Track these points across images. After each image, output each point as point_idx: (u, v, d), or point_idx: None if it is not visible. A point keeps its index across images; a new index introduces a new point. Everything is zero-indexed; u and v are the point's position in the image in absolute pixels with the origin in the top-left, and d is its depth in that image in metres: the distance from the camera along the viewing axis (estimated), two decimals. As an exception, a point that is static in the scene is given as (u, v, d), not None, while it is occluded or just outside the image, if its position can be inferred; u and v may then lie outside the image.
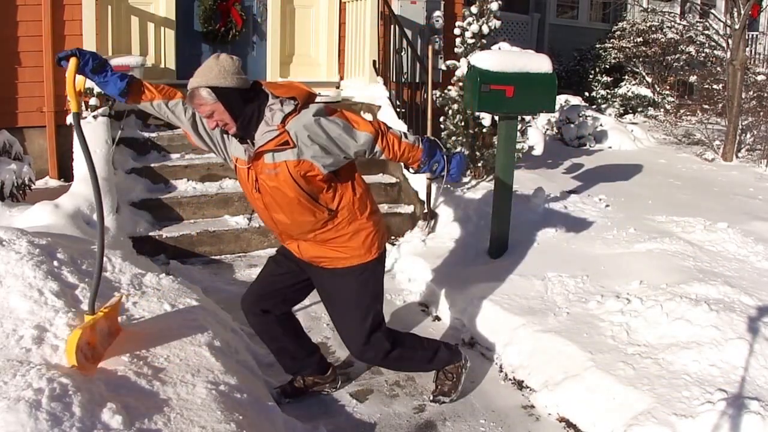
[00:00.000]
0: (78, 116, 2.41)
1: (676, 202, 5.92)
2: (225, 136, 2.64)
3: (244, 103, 2.45)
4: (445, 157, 2.69)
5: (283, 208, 2.59)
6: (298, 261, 2.83)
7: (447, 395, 3.08)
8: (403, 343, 2.92)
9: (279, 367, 3.18)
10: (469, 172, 6.43)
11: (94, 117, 5.03)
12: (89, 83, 5.00)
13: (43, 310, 2.48)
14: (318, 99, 2.73)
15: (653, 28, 12.02)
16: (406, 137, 2.65)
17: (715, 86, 10.27)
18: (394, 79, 6.54)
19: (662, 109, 11.24)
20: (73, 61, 2.40)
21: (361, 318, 2.76)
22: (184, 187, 5.23)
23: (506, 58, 4.31)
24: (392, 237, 5.35)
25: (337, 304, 2.81)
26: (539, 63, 4.30)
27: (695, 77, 11.58)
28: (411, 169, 2.75)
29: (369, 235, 2.73)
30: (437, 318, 4.05)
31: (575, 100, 10.14)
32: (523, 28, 14.11)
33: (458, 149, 2.53)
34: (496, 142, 4.77)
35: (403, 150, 2.63)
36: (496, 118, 5.32)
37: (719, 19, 10.48)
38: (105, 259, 3.12)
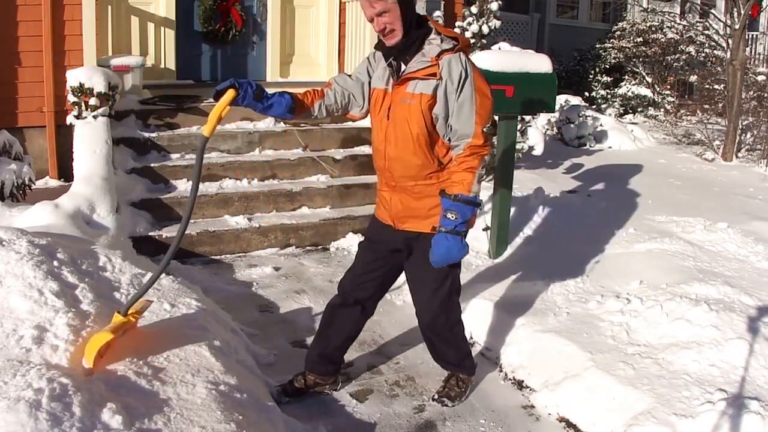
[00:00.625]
0: (206, 140, 2.40)
1: (676, 202, 5.92)
2: (370, 71, 2.75)
3: (417, 23, 2.56)
4: (466, 223, 2.62)
5: (399, 142, 2.63)
6: (383, 234, 2.84)
7: (452, 400, 3.08)
8: (463, 325, 3.03)
9: (279, 367, 3.19)
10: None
11: (94, 117, 5.02)
12: (90, 83, 5.03)
13: (43, 310, 2.48)
14: None
15: (653, 28, 12.02)
16: (479, 180, 2.63)
17: (715, 86, 10.27)
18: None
19: (662, 109, 11.24)
20: (230, 93, 2.41)
21: (442, 280, 2.80)
22: (184, 187, 5.23)
23: (506, 58, 4.31)
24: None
25: (419, 266, 2.80)
26: (539, 63, 4.30)
27: (695, 77, 11.59)
28: (441, 194, 2.63)
29: None
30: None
31: (575, 100, 10.14)
32: (523, 28, 14.11)
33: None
34: (496, 142, 4.77)
35: (467, 167, 2.58)
36: (496, 118, 5.32)
37: (719, 19, 10.49)
38: (105, 259, 3.12)
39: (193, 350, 2.58)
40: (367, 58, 2.85)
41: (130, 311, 2.44)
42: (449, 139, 2.64)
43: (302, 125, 5.85)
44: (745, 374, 2.90)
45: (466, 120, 2.58)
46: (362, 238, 3.09)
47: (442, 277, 2.81)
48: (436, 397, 3.10)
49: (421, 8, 7.10)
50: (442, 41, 2.57)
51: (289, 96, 2.64)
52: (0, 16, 5.48)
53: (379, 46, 2.70)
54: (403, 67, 2.62)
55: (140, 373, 2.31)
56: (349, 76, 2.85)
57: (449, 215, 2.57)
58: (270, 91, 2.65)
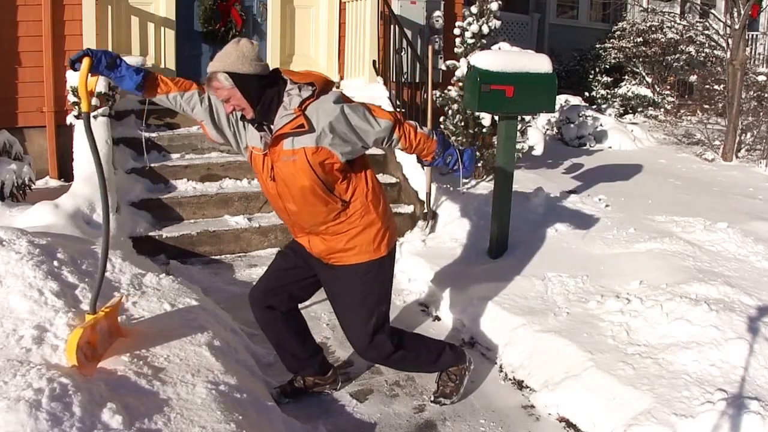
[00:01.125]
0: (88, 116, 2.42)
1: (676, 202, 5.92)
2: (242, 124, 2.63)
3: (262, 89, 2.47)
4: (457, 150, 2.77)
5: (297, 198, 2.58)
6: (307, 257, 2.82)
7: (448, 397, 3.07)
8: (407, 345, 2.91)
9: (279, 367, 3.18)
10: (469, 171, 6.41)
11: (94, 117, 5.02)
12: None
13: (43, 310, 2.48)
14: None
15: (653, 28, 12.01)
16: (421, 128, 2.70)
17: (715, 86, 10.26)
18: (394, 79, 6.54)
19: (662, 109, 11.24)
20: (86, 61, 2.38)
21: (366, 318, 2.75)
22: (184, 187, 5.23)
23: (506, 58, 4.30)
24: (392, 237, 5.35)
25: (342, 303, 2.81)
26: (539, 63, 4.30)
27: (695, 77, 11.58)
28: (425, 162, 2.80)
29: (380, 230, 2.72)
30: (437, 318, 4.05)
31: (575, 100, 10.14)
32: (523, 28, 14.10)
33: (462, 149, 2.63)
34: (496, 142, 4.77)
35: (419, 140, 2.67)
36: (496, 118, 5.32)
37: (719, 19, 10.49)
38: (105, 259, 3.11)
39: (193, 350, 2.58)
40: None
41: (101, 308, 2.45)
42: (387, 146, 2.69)
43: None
44: (745, 374, 2.90)
45: (373, 126, 2.55)
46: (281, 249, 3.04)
47: (368, 314, 2.75)
48: (432, 398, 3.10)
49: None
50: (300, 89, 2.49)
51: (143, 74, 2.51)
52: (0, 16, 5.48)
53: (244, 117, 2.58)
54: (271, 127, 2.52)
55: (140, 373, 2.31)
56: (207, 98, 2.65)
57: (447, 159, 2.75)
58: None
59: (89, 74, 2.39)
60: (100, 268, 2.42)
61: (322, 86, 2.53)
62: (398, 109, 6.18)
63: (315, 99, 2.49)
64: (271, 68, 2.53)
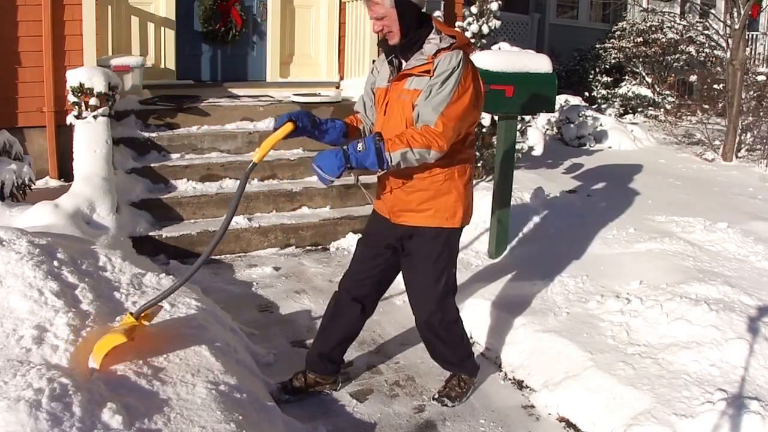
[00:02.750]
0: (254, 165, 2.53)
1: (676, 202, 5.91)
2: (373, 79, 2.83)
3: (416, 22, 2.58)
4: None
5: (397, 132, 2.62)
6: (384, 230, 2.86)
7: (452, 400, 3.08)
8: (462, 325, 3.03)
9: (279, 366, 3.19)
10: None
11: (94, 117, 5.02)
12: (90, 83, 5.03)
13: (43, 310, 2.48)
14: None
15: (653, 28, 12.01)
16: (404, 157, 2.56)
17: (715, 86, 10.26)
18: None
19: (662, 109, 11.23)
20: (288, 127, 2.53)
21: (437, 278, 2.81)
22: (184, 187, 5.23)
23: (506, 58, 4.31)
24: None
25: (413, 264, 2.84)
26: (539, 63, 4.30)
27: (695, 77, 11.58)
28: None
29: (458, 199, 2.75)
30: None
31: (575, 100, 10.13)
32: (523, 28, 14.10)
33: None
34: (496, 142, 4.77)
35: (403, 143, 2.53)
36: (496, 118, 5.32)
37: (719, 19, 10.48)
38: (105, 259, 3.11)
39: (193, 350, 2.58)
40: (371, 70, 2.91)
41: (141, 315, 2.45)
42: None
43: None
44: (745, 374, 2.90)
45: (434, 108, 2.53)
46: (361, 235, 3.10)
47: (437, 275, 2.82)
48: (436, 396, 3.10)
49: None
50: (441, 40, 2.59)
51: (341, 122, 2.74)
52: (0, 16, 5.48)
53: (383, 43, 2.72)
54: (403, 64, 2.65)
55: (140, 373, 2.31)
56: (362, 98, 2.94)
57: (359, 145, 2.51)
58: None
59: (285, 137, 2.53)
60: (192, 269, 2.60)
61: (461, 42, 2.62)
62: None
63: (449, 50, 2.56)
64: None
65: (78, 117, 5.05)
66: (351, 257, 3.06)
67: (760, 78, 9.80)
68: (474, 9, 6.22)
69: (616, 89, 11.69)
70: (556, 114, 9.07)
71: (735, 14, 8.72)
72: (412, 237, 2.80)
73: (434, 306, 2.86)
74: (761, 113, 8.98)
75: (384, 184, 2.82)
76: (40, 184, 5.32)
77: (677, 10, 13.46)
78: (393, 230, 2.84)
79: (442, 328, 2.95)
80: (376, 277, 2.96)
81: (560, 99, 9.76)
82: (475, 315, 3.78)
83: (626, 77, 12.01)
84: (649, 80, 11.85)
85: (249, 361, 3.08)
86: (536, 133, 6.63)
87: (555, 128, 9.11)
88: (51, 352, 2.29)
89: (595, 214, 5.16)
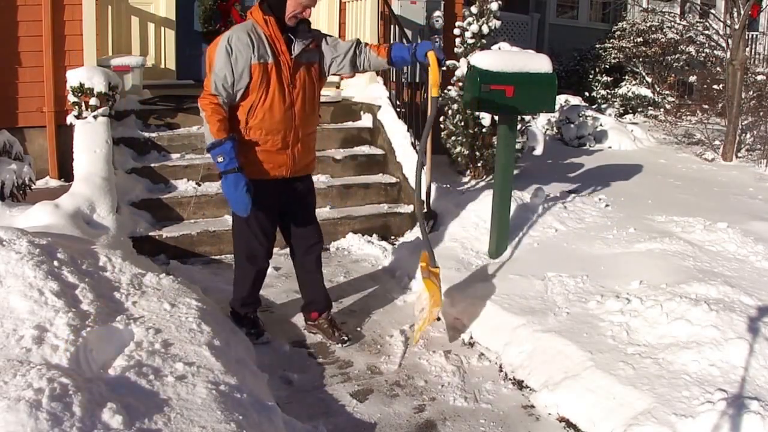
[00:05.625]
0: (437, 99, 3.57)
1: (676, 202, 5.91)
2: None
3: None
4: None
5: (307, 102, 3.33)
6: (272, 190, 3.38)
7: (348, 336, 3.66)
8: None
9: (279, 366, 3.17)
10: (468, 171, 6.42)
11: (94, 117, 5.02)
12: (90, 83, 5.03)
13: (43, 310, 2.49)
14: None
15: (653, 28, 12.02)
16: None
17: (715, 86, 10.26)
18: (394, 79, 6.54)
19: (662, 109, 11.24)
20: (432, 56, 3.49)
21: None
22: (184, 187, 5.22)
23: (506, 58, 4.30)
24: (392, 236, 5.36)
25: (310, 203, 3.61)
26: (539, 63, 4.30)
27: (695, 77, 11.58)
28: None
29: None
30: (437, 318, 4.04)
31: (575, 100, 10.14)
32: (523, 28, 14.11)
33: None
34: (496, 142, 4.77)
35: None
36: (496, 118, 5.32)
37: (719, 19, 10.48)
38: (105, 259, 3.12)
39: (193, 350, 2.58)
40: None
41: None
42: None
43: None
44: (745, 374, 2.90)
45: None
46: (253, 210, 3.25)
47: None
48: (339, 342, 3.58)
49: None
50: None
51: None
52: (0, 16, 5.48)
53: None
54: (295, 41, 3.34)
55: (140, 373, 2.31)
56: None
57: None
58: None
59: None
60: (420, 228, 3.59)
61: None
62: (398, 109, 6.17)
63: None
64: None
65: (78, 117, 5.05)
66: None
67: (760, 78, 9.80)
68: (474, 9, 6.22)
69: (616, 89, 11.69)
70: (556, 114, 9.07)
71: (735, 14, 8.72)
72: (310, 182, 3.59)
73: (319, 234, 3.66)
74: (761, 113, 8.98)
75: (287, 152, 3.35)
76: (40, 184, 5.32)
77: (677, 10, 13.46)
78: (286, 184, 3.42)
79: (320, 250, 3.69)
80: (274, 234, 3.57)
81: (560, 99, 9.76)
82: (475, 315, 3.78)
83: (626, 77, 12.02)
84: (649, 80, 11.86)
85: (249, 362, 3.08)
86: (536, 133, 6.63)
87: (555, 128, 9.12)
88: (51, 352, 2.29)
89: (595, 214, 5.16)
